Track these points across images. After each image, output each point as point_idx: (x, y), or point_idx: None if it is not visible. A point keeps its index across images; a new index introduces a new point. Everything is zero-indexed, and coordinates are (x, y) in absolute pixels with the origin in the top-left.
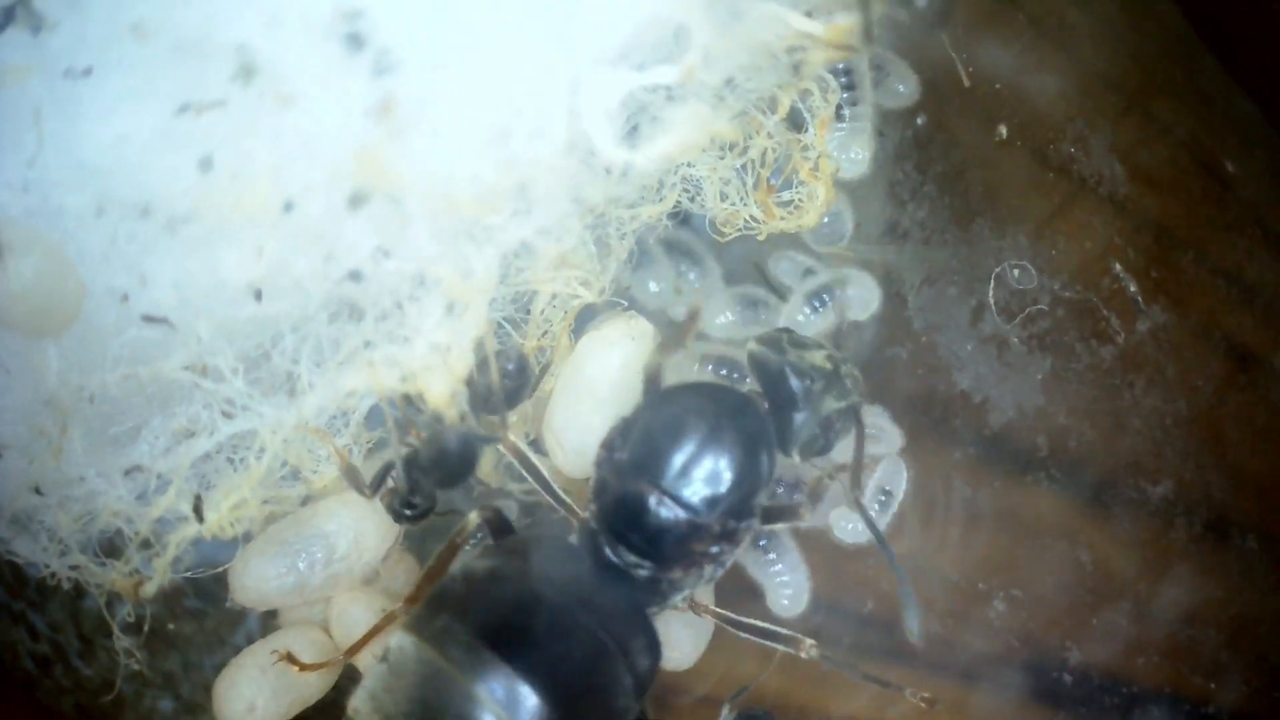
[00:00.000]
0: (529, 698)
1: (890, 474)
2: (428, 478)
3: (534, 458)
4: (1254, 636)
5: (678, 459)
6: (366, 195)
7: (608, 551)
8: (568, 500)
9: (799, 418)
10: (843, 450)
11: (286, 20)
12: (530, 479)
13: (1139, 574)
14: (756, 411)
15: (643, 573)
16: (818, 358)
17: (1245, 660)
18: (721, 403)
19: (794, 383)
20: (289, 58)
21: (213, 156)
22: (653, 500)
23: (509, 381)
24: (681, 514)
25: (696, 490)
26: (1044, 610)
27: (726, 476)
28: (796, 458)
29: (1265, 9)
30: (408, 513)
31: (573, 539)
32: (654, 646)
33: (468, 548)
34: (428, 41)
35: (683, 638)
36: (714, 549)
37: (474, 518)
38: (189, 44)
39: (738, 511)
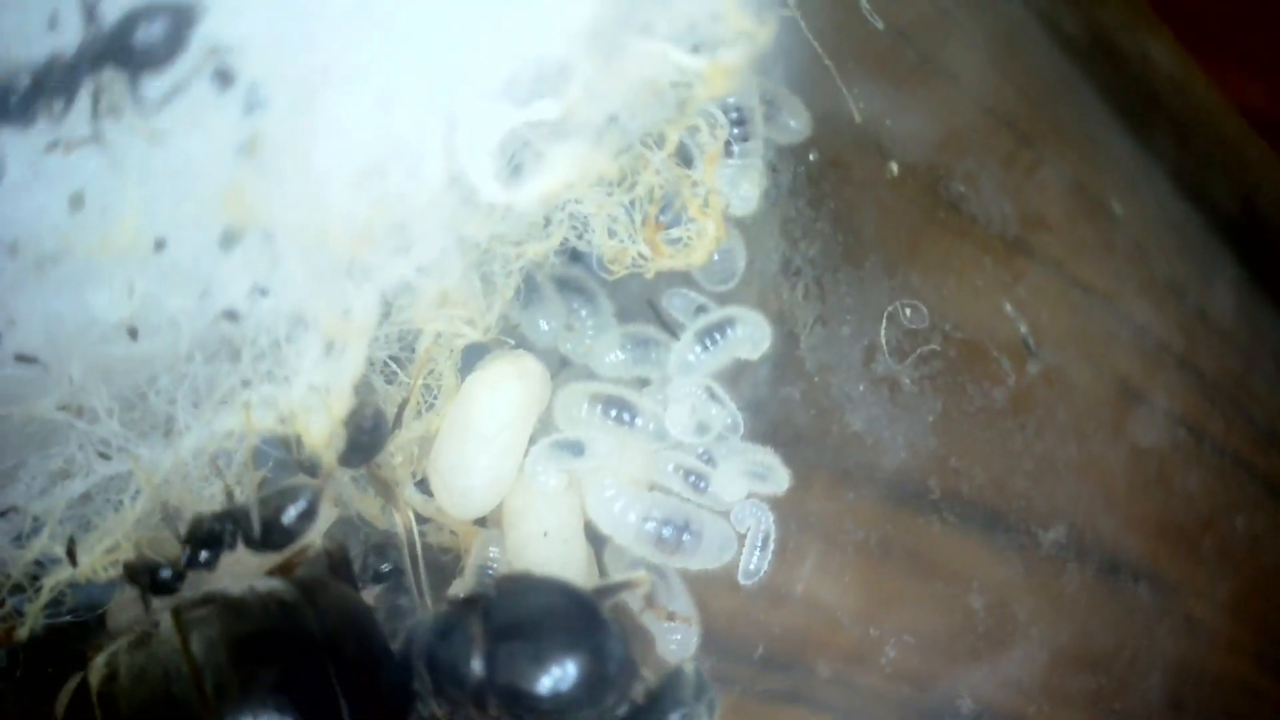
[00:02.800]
0: None
1: (758, 517)
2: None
3: (420, 503)
4: (1147, 683)
5: (509, 655)
6: (239, 233)
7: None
8: (423, 587)
9: None
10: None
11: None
12: (404, 552)
13: (1031, 619)
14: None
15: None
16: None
17: (1140, 706)
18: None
19: None
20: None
21: (83, 194)
22: (468, 673)
23: (365, 437)
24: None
25: (509, 686)
26: (936, 655)
27: (543, 691)
28: None
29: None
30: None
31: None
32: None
33: None
34: (298, 78)
35: None
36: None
37: (317, 544)
38: None
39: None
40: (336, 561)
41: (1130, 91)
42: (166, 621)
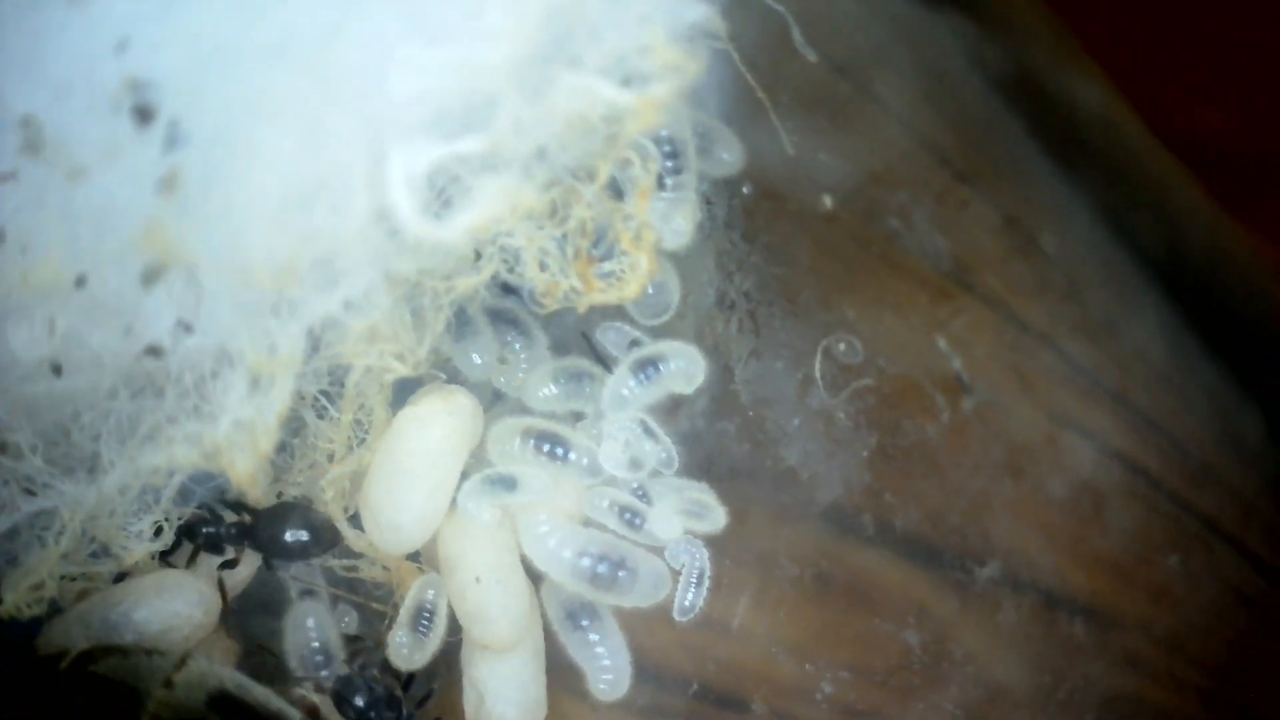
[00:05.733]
0: None
1: (693, 554)
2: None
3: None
4: (1086, 718)
5: None
6: (160, 270)
7: None
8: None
9: None
10: None
11: (75, 91)
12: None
13: (968, 655)
14: None
15: None
16: None
17: None
18: None
19: None
20: (78, 130)
21: (3, 229)
22: None
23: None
24: None
25: None
26: (873, 690)
27: None
28: None
29: None
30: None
31: None
32: None
33: None
34: (219, 113)
35: None
36: None
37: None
38: None
39: None
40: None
41: (1059, 130)
42: None
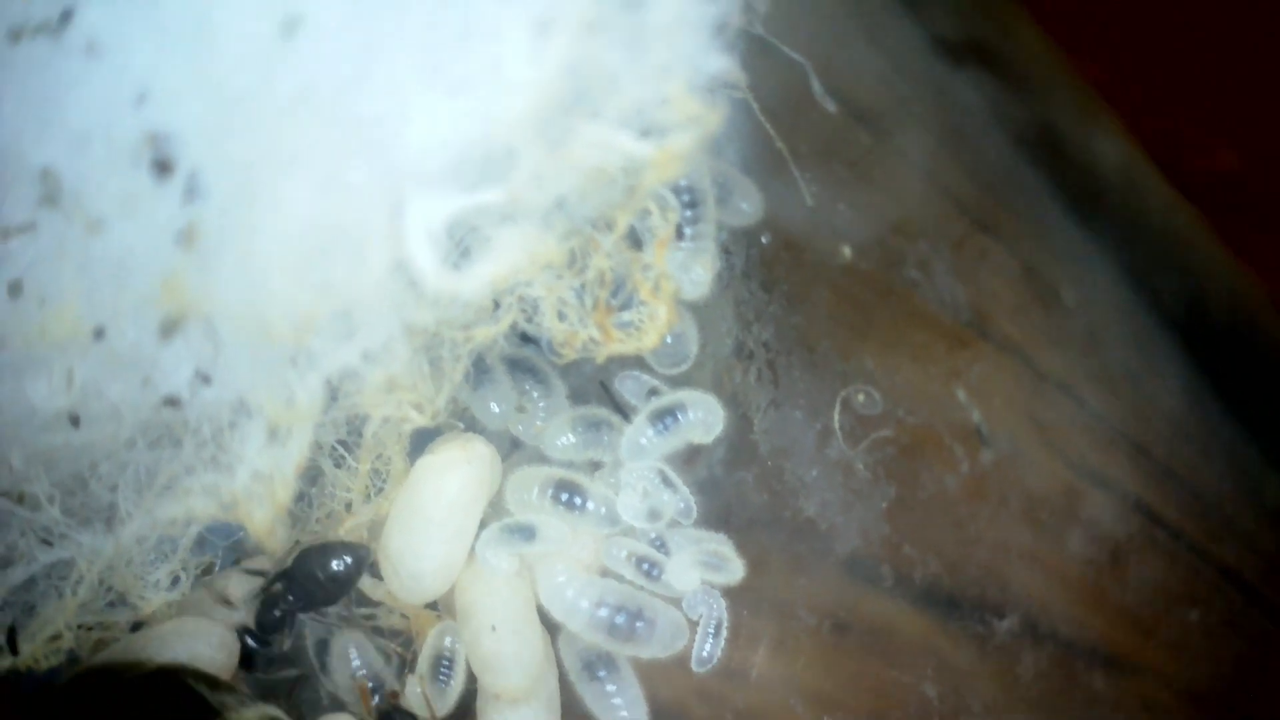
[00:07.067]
0: None
1: (711, 605)
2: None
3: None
4: None
5: None
6: (179, 322)
7: None
8: None
9: None
10: None
11: (93, 143)
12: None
13: (986, 709)
14: None
15: None
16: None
17: None
18: None
19: None
20: (96, 182)
21: (21, 282)
22: None
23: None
24: None
25: None
26: None
27: None
28: None
29: None
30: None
31: None
32: None
33: None
34: (238, 165)
35: None
36: None
37: None
38: None
39: None
40: None
41: (1079, 187)
42: None
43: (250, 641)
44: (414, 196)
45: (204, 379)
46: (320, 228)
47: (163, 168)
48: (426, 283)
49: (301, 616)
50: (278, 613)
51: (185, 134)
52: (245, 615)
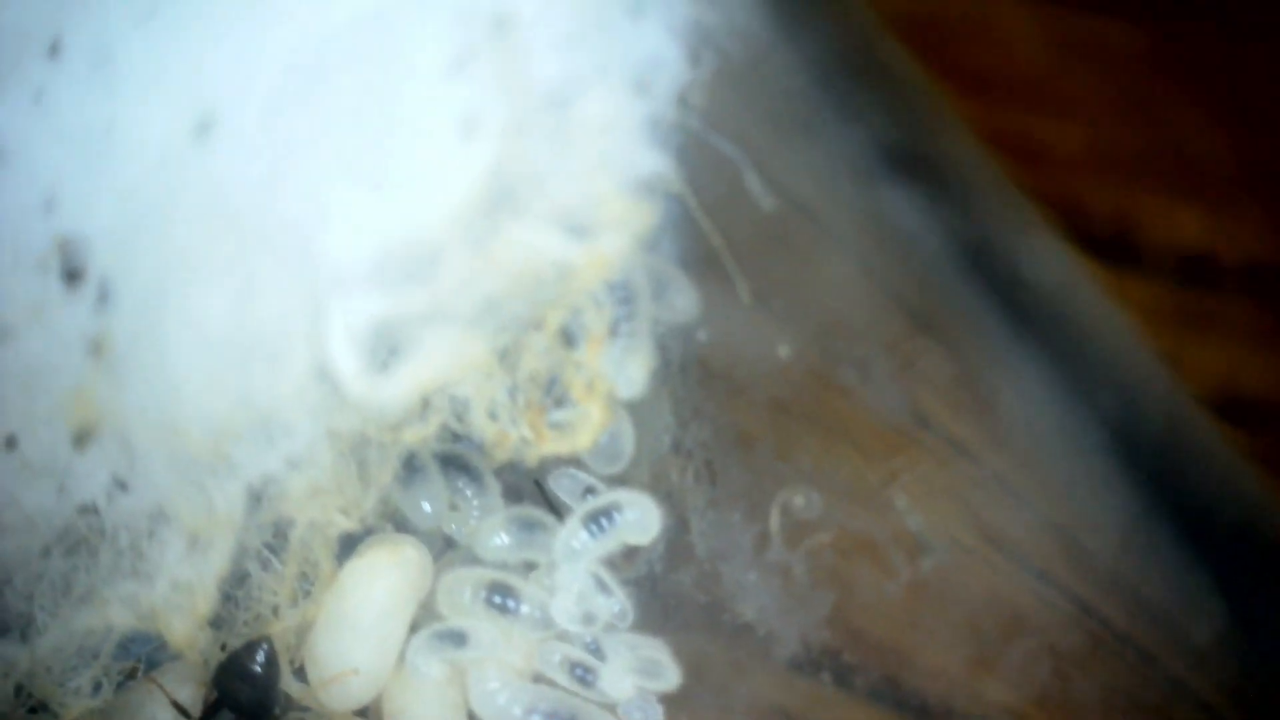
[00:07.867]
0: None
1: (646, 712)
2: None
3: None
4: None
5: None
6: (91, 432)
7: None
8: None
9: None
10: None
11: (1, 250)
12: None
13: None
14: None
15: None
16: None
17: None
18: None
19: None
20: (5, 289)
21: None
22: None
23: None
24: None
25: None
26: None
27: None
28: None
29: None
30: None
31: None
32: None
33: None
34: (150, 272)
35: None
36: None
37: None
38: None
39: None
40: None
41: (1014, 296)
42: None
43: None
44: (335, 300)
45: (121, 486)
46: (236, 334)
47: (72, 275)
48: (349, 387)
49: None
50: None
51: (95, 240)
52: None
